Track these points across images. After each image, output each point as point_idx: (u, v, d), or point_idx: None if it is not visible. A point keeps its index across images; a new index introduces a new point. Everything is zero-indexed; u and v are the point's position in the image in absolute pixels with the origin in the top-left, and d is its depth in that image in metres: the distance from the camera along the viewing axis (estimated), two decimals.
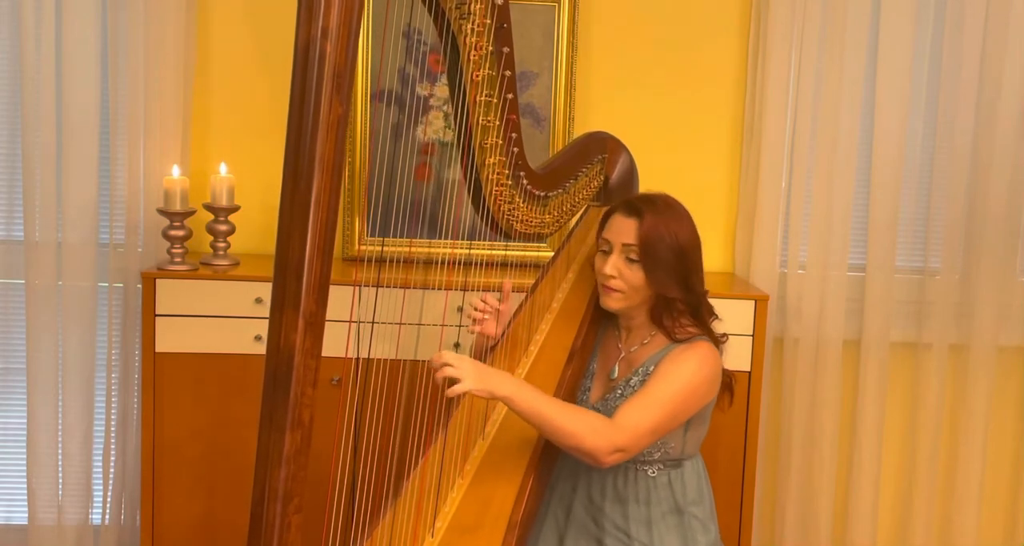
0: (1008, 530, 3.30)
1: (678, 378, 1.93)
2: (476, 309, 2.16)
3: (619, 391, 2.03)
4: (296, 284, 1.29)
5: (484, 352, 2.16)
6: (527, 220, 2.13)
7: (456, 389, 1.72)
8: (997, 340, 3.15)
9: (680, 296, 1.99)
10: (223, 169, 2.86)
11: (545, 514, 2.10)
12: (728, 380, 2.09)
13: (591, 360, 2.14)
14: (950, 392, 3.21)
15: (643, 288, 2.00)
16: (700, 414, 2.01)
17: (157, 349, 2.72)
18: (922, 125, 3.13)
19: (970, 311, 3.14)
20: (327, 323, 1.33)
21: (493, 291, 2.21)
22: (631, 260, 1.99)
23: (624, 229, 1.99)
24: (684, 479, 2.05)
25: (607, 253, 2.03)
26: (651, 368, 1.99)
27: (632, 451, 1.88)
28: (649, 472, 2.02)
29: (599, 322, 2.18)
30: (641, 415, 1.88)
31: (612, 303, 2.04)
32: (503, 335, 2.15)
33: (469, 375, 1.73)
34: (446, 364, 1.72)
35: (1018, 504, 3.28)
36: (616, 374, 2.08)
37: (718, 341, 2.05)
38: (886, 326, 3.11)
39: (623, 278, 2.00)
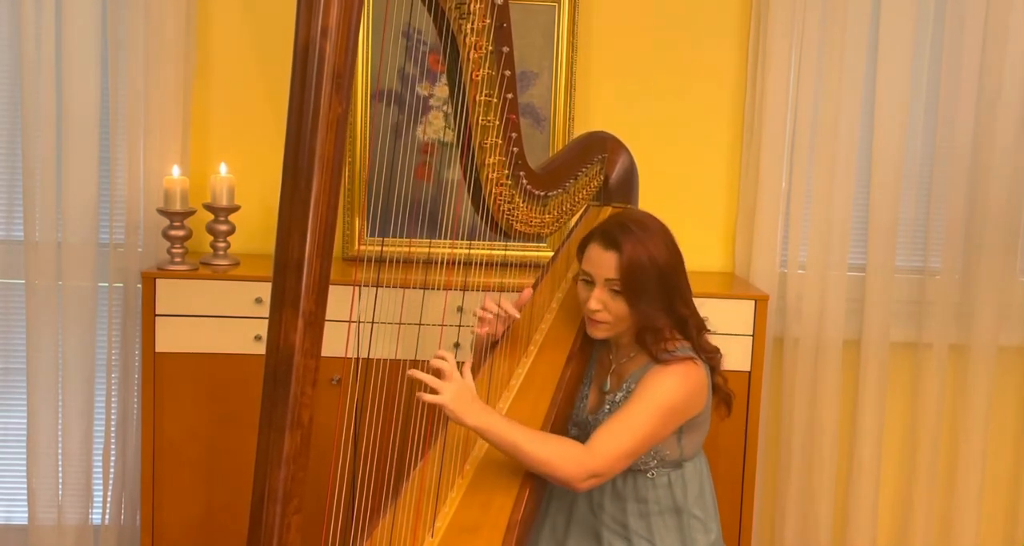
0: (1008, 530, 3.30)
1: (654, 398, 1.91)
2: (487, 310, 2.10)
3: (607, 407, 2.03)
4: (295, 284, 1.29)
5: (484, 351, 2.16)
6: (527, 220, 2.12)
7: (427, 397, 1.74)
8: (997, 340, 3.15)
9: (666, 323, 1.98)
10: (223, 169, 2.86)
11: (545, 514, 2.10)
12: (726, 397, 2.08)
13: (590, 364, 2.14)
14: (950, 392, 3.20)
15: (628, 317, 1.99)
16: (692, 422, 2.00)
17: (157, 349, 2.72)
18: (922, 125, 3.13)
19: (970, 311, 3.14)
20: (327, 323, 1.33)
21: (512, 291, 2.18)
22: (615, 291, 1.97)
23: (604, 263, 1.96)
24: (685, 479, 2.05)
25: (590, 284, 2.00)
26: (632, 386, 1.99)
27: (607, 476, 1.89)
28: (648, 474, 2.02)
29: None
30: (616, 440, 1.88)
31: (599, 333, 2.03)
32: (503, 335, 2.15)
33: (448, 393, 1.75)
34: (439, 369, 1.77)
35: (1018, 504, 3.27)
36: (608, 386, 2.08)
37: (711, 356, 2.03)
38: (886, 326, 3.11)
39: (608, 310, 1.98)
